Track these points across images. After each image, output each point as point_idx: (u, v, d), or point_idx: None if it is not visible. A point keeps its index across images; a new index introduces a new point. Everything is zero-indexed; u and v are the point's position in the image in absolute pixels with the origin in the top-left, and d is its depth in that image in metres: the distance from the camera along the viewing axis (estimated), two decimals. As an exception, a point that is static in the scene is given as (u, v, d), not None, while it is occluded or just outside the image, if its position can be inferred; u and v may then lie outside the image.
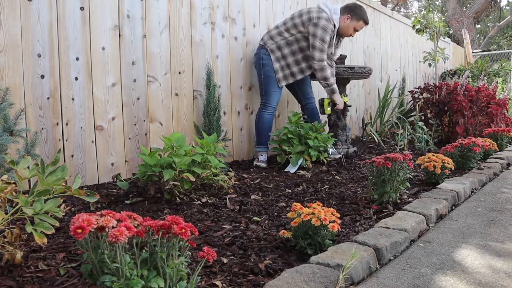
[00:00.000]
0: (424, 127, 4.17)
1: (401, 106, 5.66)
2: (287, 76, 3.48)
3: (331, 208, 1.59)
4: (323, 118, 3.85)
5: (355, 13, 3.45)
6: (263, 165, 3.34)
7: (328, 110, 3.61)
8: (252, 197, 2.35)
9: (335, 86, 3.47)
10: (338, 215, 1.57)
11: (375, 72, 5.89)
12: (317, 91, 4.19)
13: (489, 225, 1.93)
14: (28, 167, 1.35)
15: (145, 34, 2.87)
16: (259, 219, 1.92)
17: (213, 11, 3.37)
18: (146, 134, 2.91)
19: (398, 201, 2.20)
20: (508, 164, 3.65)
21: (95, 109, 2.62)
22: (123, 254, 1.00)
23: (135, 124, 2.84)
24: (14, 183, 1.32)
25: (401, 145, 4.17)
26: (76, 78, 2.52)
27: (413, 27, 5.55)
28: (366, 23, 3.54)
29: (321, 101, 3.64)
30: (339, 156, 3.43)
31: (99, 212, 1.07)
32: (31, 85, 2.32)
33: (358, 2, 3.67)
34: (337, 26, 3.42)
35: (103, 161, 2.66)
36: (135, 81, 2.82)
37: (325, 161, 3.31)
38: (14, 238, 1.34)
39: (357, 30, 3.55)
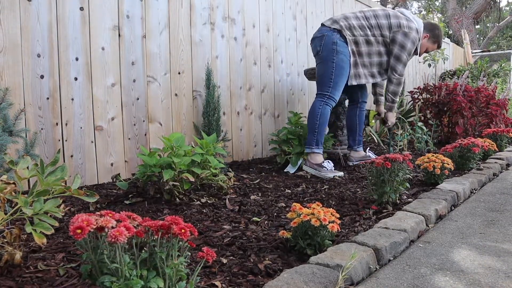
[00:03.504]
0: (424, 128, 4.18)
1: (401, 107, 5.66)
2: (357, 76, 3.12)
3: (331, 209, 1.59)
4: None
5: (434, 34, 3.29)
6: (339, 173, 2.95)
7: (372, 122, 3.54)
8: (252, 197, 2.35)
9: (395, 105, 3.35)
10: (338, 215, 1.57)
11: (375, 73, 5.88)
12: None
13: (488, 226, 1.93)
14: (27, 167, 1.35)
15: (144, 34, 2.87)
16: (259, 220, 1.92)
17: (213, 11, 3.37)
18: (145, 134, 2.91)
19: (398, 202, 2.20)
20: (508, 165, 3.65)
21: (95, 109, 2.62)
22: (123, 255, 1.00)
23: (134, 124, 2.84)
24: (14, 183, 1.32)
25: (400, 146, 4.17)
26: (76, 78, 2.52)
27: (413, 27, 5.54)
28: (439, 47, 3.40)
29: (367, 112, 3.56)
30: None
31: (98, 212, 1.07)
32: (31, 85, 2.32)
33: (438, 24, 3.55)
34: (421, 41, 3.21)
35: (102, 161, 2.66)
36: (134, 81, 2.82)
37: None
38: (13, 239, 1.34)
39: (427, 52, 3.42)
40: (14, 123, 1.81)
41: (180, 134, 2.28)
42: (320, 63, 3.13)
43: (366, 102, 3.48)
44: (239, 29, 3.61)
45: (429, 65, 5.46)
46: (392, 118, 3.42)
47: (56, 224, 1.32)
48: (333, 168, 3.00)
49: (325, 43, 3.07)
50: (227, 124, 3.52)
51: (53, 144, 2.43)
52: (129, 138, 2.81)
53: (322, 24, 3.19)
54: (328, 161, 3.01)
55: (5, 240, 1.32)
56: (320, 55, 3.12)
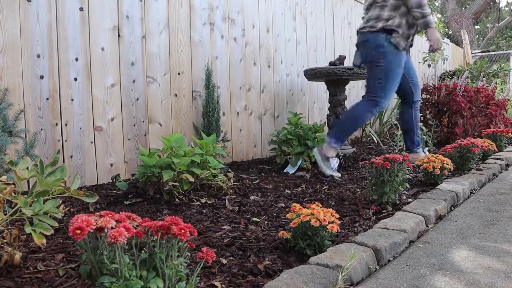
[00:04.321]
0: (423, 128, 4.18)
1: (400, 107, 5.65)
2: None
3: (330, 209, 1.59)
4: (322, 117, 3.84)
5: None
6: (337, 174, 2.89)
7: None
8: (251, 197, 2.35)
9: (431, 17, 2.78)
10: (337, 215, 1.57)
11: (374, 73, 5.88)
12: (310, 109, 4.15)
13: (488, 226, 1.93)
14: (27, 168, 1.35)
15: (144, 35, 2.87)
16: (258, 220, 1.92)
17: (212, 12, 3.37)
18: (145, 135, 2.91)
19: (397, 202, 2.20)
20: (507, 165, 3.65)
21: (94, 109, 2.62)
22: (122, 255, 1.00)
23: (134, 125, 2.84)
24: (13, 183, 1.32)
25: (400, 146, 4.17)
26: (75, 79, 2.52)
27: (412, 28, 5.54)
28: None
29: None
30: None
31: (98, 213, 1.07)
32: (30, 85, 2.32)
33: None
34: None
35: (102, 162, 2.66)
36: (134, 81, 2.82)
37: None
38: (13, 239, 1.34)
39: None
40: (14, 123, 1.81)
41: (180, 135, 2.28)
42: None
43: (420, 101, 3.19)
44: (238, 30, 3.61)
45: (429, 66, 5.46)
46: (434, 35, 2.84)
47: (56, 224, 1.32)
48: (336, 168, 2.98)
49: (374, 48, 2.85)
50: (227, 125, 3.52)
51: (53, 144, 2.43)
52: (128, 139, 2.81)
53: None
54: (337, 160, 2.98)
55: (5, 241, 1.32)
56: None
